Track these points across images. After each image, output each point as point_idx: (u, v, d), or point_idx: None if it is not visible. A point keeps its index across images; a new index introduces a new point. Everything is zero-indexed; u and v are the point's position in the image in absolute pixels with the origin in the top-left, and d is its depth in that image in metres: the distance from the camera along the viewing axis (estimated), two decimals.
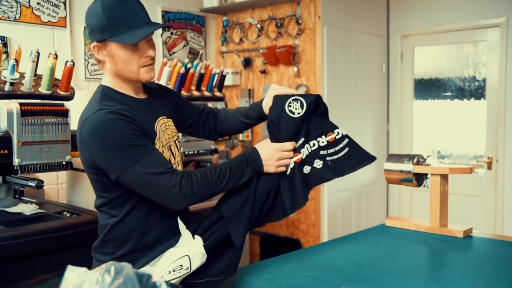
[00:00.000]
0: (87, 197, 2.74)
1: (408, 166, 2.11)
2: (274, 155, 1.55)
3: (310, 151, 1.60)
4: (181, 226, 1.53)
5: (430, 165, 2.10)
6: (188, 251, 1.46)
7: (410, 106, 4.32)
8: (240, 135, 3.66)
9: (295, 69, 3.76)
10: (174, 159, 1.62)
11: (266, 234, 3.99)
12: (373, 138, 4.25)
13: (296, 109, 1.59)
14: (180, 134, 1.74)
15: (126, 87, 1.56)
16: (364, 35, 4.11)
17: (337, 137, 1.62)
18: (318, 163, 1.59)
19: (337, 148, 1.61)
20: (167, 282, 0.93)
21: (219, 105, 3.81)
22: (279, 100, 1.61)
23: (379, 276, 1.54)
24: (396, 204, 4.41)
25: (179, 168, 1.65)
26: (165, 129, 1.60)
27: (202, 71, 3.23)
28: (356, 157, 1.62)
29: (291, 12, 3.76)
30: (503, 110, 3.76)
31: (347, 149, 1.61)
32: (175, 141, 1.64)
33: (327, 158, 1.60)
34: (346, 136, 1.63)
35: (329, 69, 3.72)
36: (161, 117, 1.61)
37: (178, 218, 1.55)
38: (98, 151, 1.44)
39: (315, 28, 3.67)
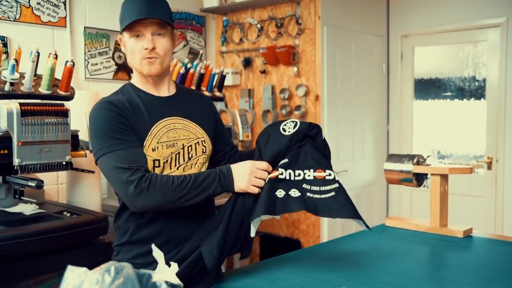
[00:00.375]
0: (87, 197, 2.74)
1: (408, 166, 2.11)
2: (246, 169, 1.50)
3: (292, 178, 1.50)
4: (156, 252, 1.50)
5: (430, 165, 2.10)
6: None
7: (410, 106, 4.32)
8: (240, 134, 3.66)
9: (295, 69, 3.76)
10: (185, 160, 1.62)
11: (266, 234, 3.99)
12: (373, 138, 4.25)
13: (289, 128, 1.57)
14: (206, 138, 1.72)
15: (145, 82, 1.65)
16: (364, 35, 4.11)
17: (327, 177, 1.49)
18: (294, 192, 1.48)
19: (322, 189, 1.47)
20: (167, 282, 0.93)
21: (219, 105, 3.82)
22: (278, 122, 1.62)
23: (379, 276, 1.54)
24: (396, 204, 4.41)
25: (196, 170, 1.65)
26: (173, 128, 1.62)
27: (202, 71, 3.23)
28: (339, 206, 1.46)
29: (291, 12, 3.76)
30: (503, 110, 3.76)
31: (333, 193, 1.47)
32: (196, 143, 1.65)
33: (307, 194, 1.47)
34: (338, 181, 1.49)
35: (329, 69, 3.72)
36: (175, 117, 1.64)
37: (153, 245, 1.52)
38: (89, 134, 1.60)
39: (315, 28, 3.67)
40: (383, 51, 4.34)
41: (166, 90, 1.68)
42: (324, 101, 3.70)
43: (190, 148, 1.64)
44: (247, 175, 1.49)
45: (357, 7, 4.04)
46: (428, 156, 2.15)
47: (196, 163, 1.65)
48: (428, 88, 4.24)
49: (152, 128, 1.58)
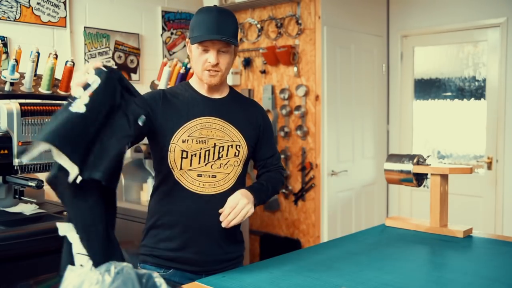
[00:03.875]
0: None
1: (408, 166, 2.11)
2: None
3: None
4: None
5: (430, 165, 2.10)
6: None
7: (410, 106, 4.32)
8: None
9: (295, 69, 3.76)
10: (214, 158, 1.71)
11: (266, 234, 3.99)
12: (373, 138, 4.25)
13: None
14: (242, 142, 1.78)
15: (201, 85, 1.77)
16: (364, 35, 4.11)
17: None
18: None
19: None
20: (167, 282, 0.93)
21: None
22: None
23: (379, 276, 1.54)
24: (396, 204, 4.41)
25: (224, 170, 1.73)
26: (209, 126, 1.72)
27: None
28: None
29: (291, 12, 3.76)
30: (503, 110, 3.76)
31: None
32: (230, 146, 1.73)
33: None
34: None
35: (329, 69, 3.72)
36: (214, 117, 1.73)
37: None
38: None
39: (315, 28, 3.67)
40: (383, 51, 4.34)
41: (218, 93, 1.80)
42: (324, 101, 3.70)
43: (221, 148, 1.72)
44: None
45: (357, 7, 4.04)
46: (428, 156, 2.15)
47: (226, 163, 1.73)
48: (428, 88, 4.24)
49: (187, 123, 1.70)
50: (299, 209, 3.83)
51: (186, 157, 1.68)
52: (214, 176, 1.71)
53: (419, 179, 2.13)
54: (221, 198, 1.69)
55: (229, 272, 1.64)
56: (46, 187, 2.83)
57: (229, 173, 1.74)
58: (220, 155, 1.72)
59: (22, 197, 2.37)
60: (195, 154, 1.69)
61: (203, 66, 1.69)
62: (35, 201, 2.51)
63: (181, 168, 1.69)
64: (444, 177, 2.09)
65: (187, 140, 1.68)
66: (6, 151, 2.16)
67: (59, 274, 1.20)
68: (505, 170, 3.77)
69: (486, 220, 3.88)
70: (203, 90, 1.78)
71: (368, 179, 4.21)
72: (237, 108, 1.81)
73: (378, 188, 4.33)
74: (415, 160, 2.11)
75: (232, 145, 1.74)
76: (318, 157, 3.72)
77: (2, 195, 2.36)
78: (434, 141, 4.27)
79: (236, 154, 1.75)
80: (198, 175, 1.70)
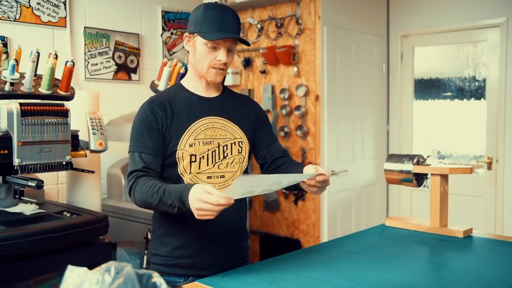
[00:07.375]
0: (87, 197, 2.74)
1: (408, 166, 2.11)
2: (194, 204, 1.41)
3: None
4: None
5: (430, 165, 2.10)
6: None
7: (410, 106, 4.32)
8: None
9: (295, 69, 3.76)
10: (220, 158, 1.71)
11: (266, 234, 3.99)
12: (373, 138, 4.25)
13: None
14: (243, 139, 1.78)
15: (197, 83, 1.75)
16: (364, 35, 4.11)
17: None
18: None
19: None
20: (167, 282, 0.93)
21: None
22: None
23: (379, 276, 1.54)
24: (396, 204, 4.41)
25: (231, 168, 1.73)
26: (211, 126, 1.71)
27: None
28: None
29: (291, 12, 3.76)
30: (503, 110, 3.76)
31: None
32: (233, 143, 1.74)
33: None
34: None
35: (329, 69, 3.72)
36: (214, 116, 1.73)
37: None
38: None
39: (315, 28, 3.67)
40: (383, 51, 4.34)
41: (214, 91, 1.78)
42: (324, 101, 3.70)
43: (225, 147, 1.72)
44: (194, 209, 1.42)
45: (357, 7, 4.04)
46: (428, 156, 2.15)
47: (231, 162, 1.73)
48: (428, 88, 4.24)
49: (191, 126, 1.68)
50: (299, 209, 3.83)
51: (195, 161, 1.67)
52: (222, 177, 1.72)
53: (419, 179, 2.13)
54: None
55: (229, 272, 1.64)
56: (46, 187, 2.84)
57: (236, 171, 1.74)
58: (225, 154, 1.72)
59: (22, 197, 2.37)
60: (203, 157, 1.68)
61: (210, 63, 1.67)
62: (35, 201, 2.51)
63: (190, 173, 1.67)
64: (444, 177, 2.09)
65: (194, 144, 1.67)
66: (6, 151, 2.16)
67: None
68: (505, 170, 3.77)
69: (486, 220, 3.88)
70: (199, 90, 1.75)
71: (368, 179, 4.21)
72: (234, 105, 1.81)
73: (378, 188, 4.33)
74: (415, 160, 2.11)
75: (235, 143, 1.74)
76: (318, 157, 3.72)
77: (2, 195, 2.36)
78: (434, 141, 4.27)
79: (240, 151, 1.75)
80: (208, 177, 1.69)
